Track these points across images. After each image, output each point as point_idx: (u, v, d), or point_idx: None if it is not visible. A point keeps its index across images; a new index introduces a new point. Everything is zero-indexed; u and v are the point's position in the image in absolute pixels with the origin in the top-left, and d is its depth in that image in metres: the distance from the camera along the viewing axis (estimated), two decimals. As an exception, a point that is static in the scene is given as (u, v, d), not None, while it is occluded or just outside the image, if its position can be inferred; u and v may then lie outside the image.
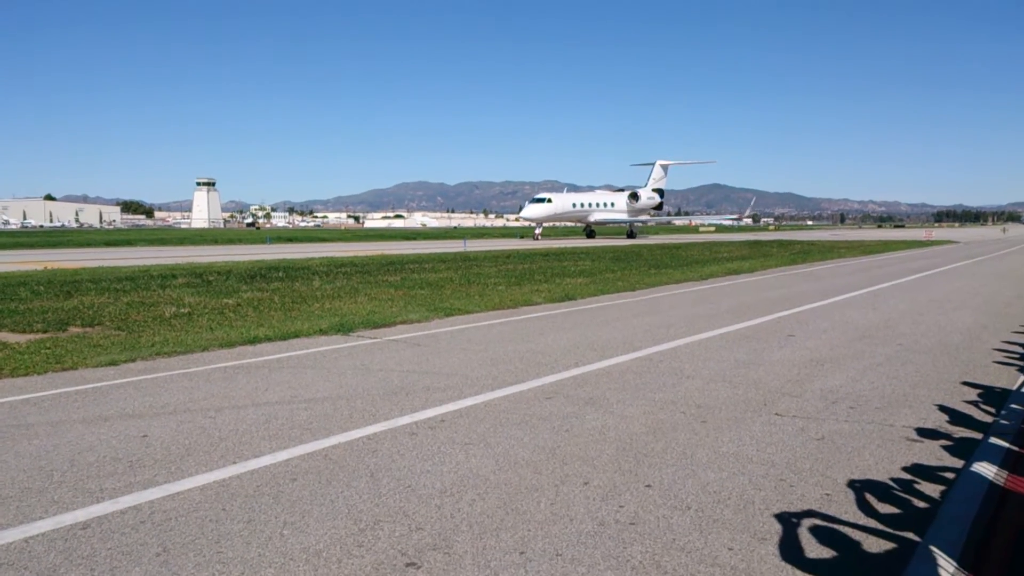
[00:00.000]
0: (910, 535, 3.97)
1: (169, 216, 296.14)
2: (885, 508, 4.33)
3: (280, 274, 20.49)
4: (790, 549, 3.79)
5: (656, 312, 13.48)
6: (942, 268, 26.45)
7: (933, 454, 5.34)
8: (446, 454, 5.25)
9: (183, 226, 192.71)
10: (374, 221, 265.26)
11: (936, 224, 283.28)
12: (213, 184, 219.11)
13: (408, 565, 3.62)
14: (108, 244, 50.59)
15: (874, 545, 3.85)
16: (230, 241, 58.65)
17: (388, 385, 7.39)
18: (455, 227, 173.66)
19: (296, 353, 9.16)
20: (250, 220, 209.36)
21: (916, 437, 5.74)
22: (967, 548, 3.82)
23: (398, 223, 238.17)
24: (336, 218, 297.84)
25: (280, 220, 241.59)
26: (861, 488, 4.61)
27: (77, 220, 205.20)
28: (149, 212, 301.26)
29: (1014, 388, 7.45)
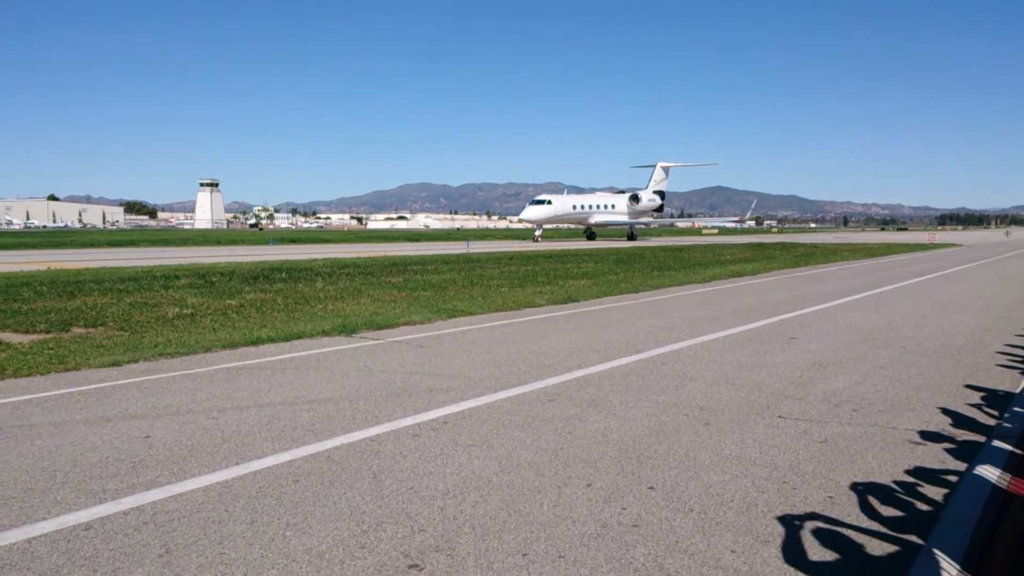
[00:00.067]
0: (913, 538, 3.97)
1: (172, 217, 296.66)
2: (888, 511, 4.33)
3: (283, 275, 20.50)
4: (793, 551, 3.79)
5: (659, 314, 13.47)
6: (945, 271, 26.41)
7: (936, 457, 5.34)
8: (449, 456, 5.26)
9: (186, 227, 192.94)
10: (377, 222, 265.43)
11: (939, 227, 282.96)
12: (216, 185, 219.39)
13: (411, 567, 3.62)
14: (111, 244, 50.68)
15: (877, 548, 3.85)
16: (233, 242, 58.72)
17: (391, 386, 7.40)
18: (458, 229, 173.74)
19: (299, 354, 9.17)
20: (253, 221, 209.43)
21: (919, 440, 5.73)
22: (970, 551, 3.81)
23: (401, 224, 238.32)
24: (339, 219, 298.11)
25: (283, 221, 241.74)
26: (864, 491, 4.61)
27: (80, 220, 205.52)
28: (152, 213, 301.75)
29: (1017, 391, 7.44)
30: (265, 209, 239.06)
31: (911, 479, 4.85)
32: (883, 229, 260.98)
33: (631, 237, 71.27)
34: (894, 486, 4.73)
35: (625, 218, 71.62)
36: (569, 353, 9.29)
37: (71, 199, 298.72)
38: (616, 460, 5.20)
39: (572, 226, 76.37)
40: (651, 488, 4.67)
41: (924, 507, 4.41)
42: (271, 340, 10.06)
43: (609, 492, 4.59)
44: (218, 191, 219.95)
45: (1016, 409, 6.70)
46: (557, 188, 74.53)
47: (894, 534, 4.01)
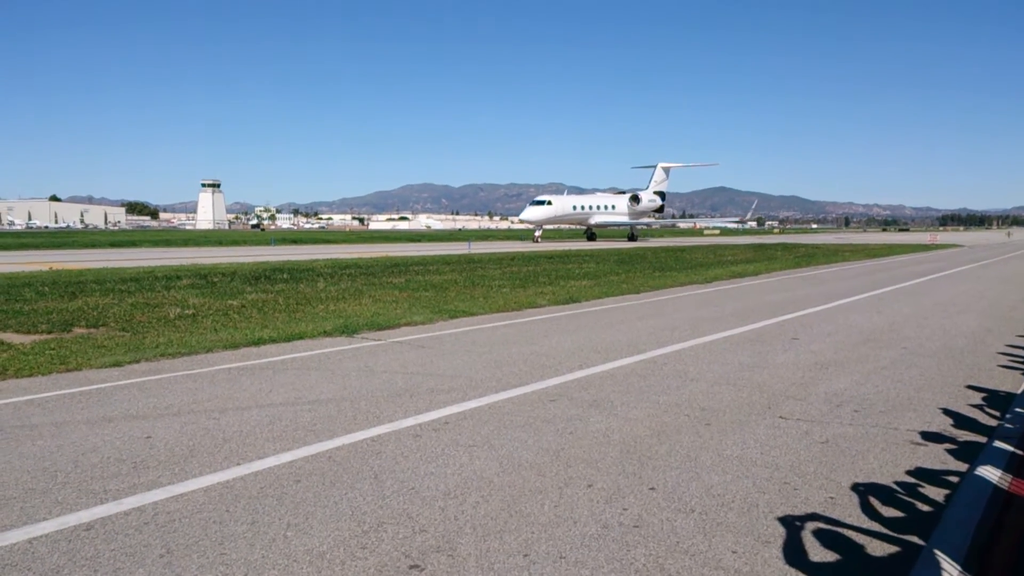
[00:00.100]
0: (914, 539, 3.97)
1: (174, 217, 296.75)
2: (889, 512, 4.33)
3: (285, 275, 20.51)
4: (794, 552, 3.79)
5: (660, 315, 13.47)
6: (946, 272, 26.39)
7: (937, 458, 5.33)
8: (450, 456, 5.26)
9: (188, 227, 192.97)
10: (379, 223, 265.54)
11: (941, 228, 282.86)
12: (218, 185, 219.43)
13: (412, 567, 3.62)
14: (113, 245, 50.71)
15: (878, 549, 3.85)
16: (235, 242, 58.73)
17: (392, 387, 7.40)
18: (460, 229, 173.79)
19: (300, 355, 9.17)
20: (255, 222, 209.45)
21: (920, 441, 5.73)
22: (971, 552, 3.81)
23: (403, 225, 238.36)
24: (341, 220, 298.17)
25: (285, 222, 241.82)
26: (865, 491, 4.61)
27: (82, 221, 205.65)
28: (154, 213, 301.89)
29: (1018, 392, 7.43)
30: (267, 210, 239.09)
31: (912, 480, 4.85)
32: (885, 230, 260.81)
33: (631, 238, 71.21)
34: (895, 487, 4.73)
35: (625, 219, 71.55)
36: (570, 353, 9.29)
37: (73, 200, 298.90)
38: (617, 461, 5.20)
39: (572, 227, 76.30)
40: (652, 489, 4.67)
41: (925, 508, 4.41)
42: (272, 340, 10.06)
43: (610, 493, 4.59)
44: (220, 192, 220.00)
45: (1017, 410, 6.70)
46: (559, 189, 74.46)
47: (895, 535, 4.01)
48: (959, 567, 3.63)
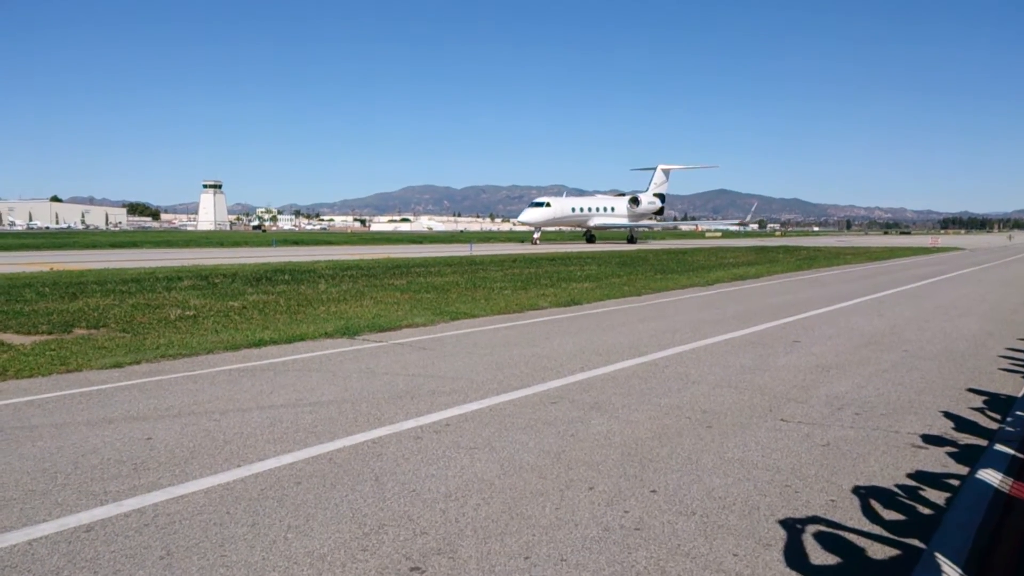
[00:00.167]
0: (915, 542, 3.96)
1: (175, 218, 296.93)
2: (890, 515, 4.32)
3: (286, 277, 20.52)
4: (795, 555, 3.78)
5: (662, 317, 13.47)
6: (948, 275, 26.38)
7: (938, 461, 5.33)
8: (451, 458, 5.25)
9: (189, 228, 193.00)
10: (380, 224, 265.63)
11: (942, 231, 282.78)
12: (219, 187, 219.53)
13: (412, 569, 3.61)
14: (114, 246, 50.75)
15: (879, 552, 3.84)
16: (236, 244, 58.77)
17: (393, 389, 7.40)
18: (461, 231, 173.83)
19: (301, 356, 9.17)
20: (256, 223, 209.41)
21: (921, 444, 5.72)
22: (972, 555, 3.81)
23: (404, 227, 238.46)
24: (342, 221, 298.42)
25: (286, 223, 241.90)
26: (866, 494, 4.60)
27: (83, 222, 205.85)
28: (155, 214, 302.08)
29: (1019, 395, 7.43)
30: (268, 211, 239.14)
31: (913, 483, 4.85)
32: (886, 233, 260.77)
33: (631, 240, 71.14)
34: (896, 490, 4.72)
35: (625, 221, 71.45)
36: (572, 356, 9.28)
37: (74, 200, 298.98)
38: (618, 463, 5.19)
39: (571, 229, 76.20)
40: (653, 491, 4.66)
41: (926, 511, 4.40)
42: (273, 342, 10.06)
43: (611, 495, 4.58)
44: (221, 193, 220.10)
45: (1018, 413, 6.69)
46: (560, 191, 74.40)
47: (896, 538, 4.00)
48: (960, 570, 3.63)
